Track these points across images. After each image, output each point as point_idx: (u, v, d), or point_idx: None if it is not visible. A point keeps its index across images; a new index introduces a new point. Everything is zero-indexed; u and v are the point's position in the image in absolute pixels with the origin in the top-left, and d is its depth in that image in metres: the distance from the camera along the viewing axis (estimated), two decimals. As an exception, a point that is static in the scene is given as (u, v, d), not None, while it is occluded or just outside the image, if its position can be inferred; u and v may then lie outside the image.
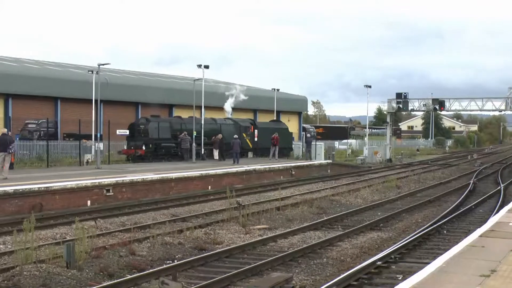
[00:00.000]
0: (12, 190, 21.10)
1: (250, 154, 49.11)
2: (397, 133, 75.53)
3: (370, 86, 61.42)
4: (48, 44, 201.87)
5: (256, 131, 50.12)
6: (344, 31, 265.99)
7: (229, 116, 53.07)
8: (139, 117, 51.21)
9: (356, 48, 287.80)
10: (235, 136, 42.51)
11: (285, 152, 51.76)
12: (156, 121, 43.06)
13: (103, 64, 36.51)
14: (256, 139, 49.86)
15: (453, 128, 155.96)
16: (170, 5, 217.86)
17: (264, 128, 50.83)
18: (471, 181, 34.47)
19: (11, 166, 30.77)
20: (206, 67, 44.29)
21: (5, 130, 26.54)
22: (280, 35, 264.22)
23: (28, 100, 49.43)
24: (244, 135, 48.42)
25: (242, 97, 55.47)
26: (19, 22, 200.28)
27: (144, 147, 40.84)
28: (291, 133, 55.24)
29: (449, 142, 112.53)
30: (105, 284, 11.86)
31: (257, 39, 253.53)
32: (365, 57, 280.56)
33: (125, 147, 42.19)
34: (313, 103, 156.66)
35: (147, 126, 41.90)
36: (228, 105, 54.91)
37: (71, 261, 13.17)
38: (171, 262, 14.44)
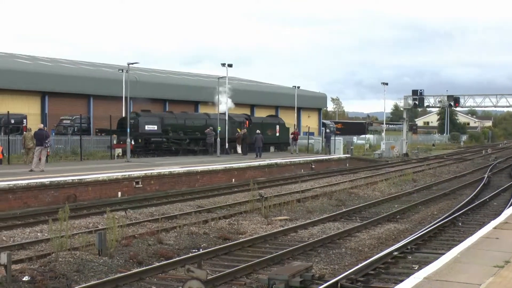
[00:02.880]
0: (48, 182, 21.30)
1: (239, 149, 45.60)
2: (413, 128, 74.81)
3: (387, 84, 61.03)
4: (81, 45, 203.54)
5: (250, 126, 47.56)
6: (359, 31, 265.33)
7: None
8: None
9: (371, 47, 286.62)
10: (258, 131, 42.43)
11: (282, 147, 50.14)
12: (146, 115, 40.99)
13: (132, 63, 36.64)
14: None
15: (468, 124, 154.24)
16: (193, 8, 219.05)
17: (259, 124, 48.57)
18: (486, 175, 34.09)
19: (47, 159, 31.11)
20: (230, 65, 44.29)
21: (42, 125, 26.80)
22: (298, 36, 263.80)
23: (63, 98, 49.88)
24: (239, 130, 45.77)
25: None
26: (53, 24, 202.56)
27: (133, 142, 37.67)
28: (288, 128, 52.58)
29: (464, 137, 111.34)
30: (134, 271, 11.92)
31: (276, 39, 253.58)
32: (379, 56, 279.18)
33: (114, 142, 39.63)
34: (332, 100, 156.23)
35: (137, 120, 39.75)
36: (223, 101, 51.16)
37: (102, 248, 13.26)
38: (196, 250, 14.47)
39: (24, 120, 42.87)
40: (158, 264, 12.63)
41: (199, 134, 43.55)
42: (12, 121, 42.54)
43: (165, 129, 41.31)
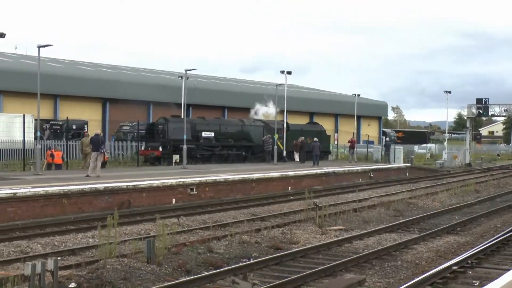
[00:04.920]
0: (103, 188, 21.38)
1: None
2: (477, 138, 72.60)
3: (450, 92, 59.55)
4: (142, 54, 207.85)
5: (288, 133, 44.51)
6: (420, 40, 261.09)
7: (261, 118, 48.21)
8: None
9: (432, 56, 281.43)
10: (316, 139, 41.83)
11: (322, 155, 44.86)
12: (175, 121, 38.96)
13: (189, 70, 36.71)
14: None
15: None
16: (255, 16, 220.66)
17: (298, 131, 45.70)
18: (553, 187, 32.59)
19: (104, 165, 31.45)
20: (289, 73, 44.04)
21: (98, 131, 27.11)
22: (358, 44, 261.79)
23: (124, 104, 50.62)
24: (276, 137, 43.07)
25: (271, 106, 48.79)
26: (115, 33, 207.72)
27: (160, 148, 37.15)
28: (329, 136, 50.30)
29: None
30: (181, 280, 11.64)
31: (338, 47, 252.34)
32: (441, 65, 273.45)
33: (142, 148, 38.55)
34: (393, 108, 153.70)
35: (165, 126, 38.25)
36: (260, 107, 50.01)
37: (151, 256, 13.06)
38: (247, 260, 14.10)
39: (85, 126, 43.66)
40: (206, 273, 12.31)
41: (232, 141, 42.00)
42: (74, 127, 43.43)
43: (196, 135, 39.50)
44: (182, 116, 38.90)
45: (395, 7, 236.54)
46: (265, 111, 49.36)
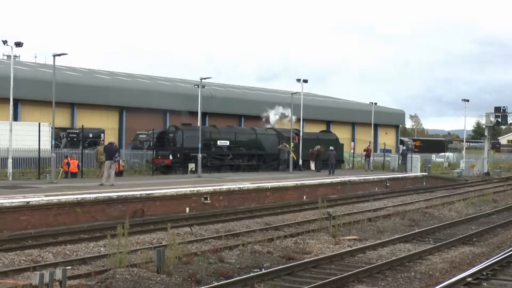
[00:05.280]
0: (116, 196, 21.34)
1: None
2: (496, 146, 71.86)
3: (467, 100, 58.98)
4: (160, 61, 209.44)
5: (299, 141, 44.27)
6: (437, 47, 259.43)
7: (273, 126, 47.67)
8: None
9: (450, 63, 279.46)
10: (331, 148, 41.61)
11: (336, 165, 42.14)
12: (186, 129, 38.49)
13: (205, 78, 36.67)
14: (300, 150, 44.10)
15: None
16: (270, 23, 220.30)
17: (310, 139, 45.21)
18: None
19: (120, 173, 31.58)
20: (305, 81, 43.98)
21: (112, 139, 27.12)
22: (376, 52, 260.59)
23: (140, 113, 50.73)
24: (287, 146, 42.45)
25: (286, 112, 47.93)
26: (134, 40, 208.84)
27: (171, 157, 36.50)
28: (342, 144, 49.65)
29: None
30: (190, 290, 11.53)
31: (353, 55, 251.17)
32: (459, 72, 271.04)
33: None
34: (411, 117, 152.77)
35: (176, 134, 37.71)
36: (272, 116, 48.69)
37: (161, 266, 12.96)
38: (258, 270, 13.95)
39: (102, 134, 43.82)
40: (216, 283, 12.18)
41: (244, 149, 41.36)
42: (90, 135, 43.61)
43: (207, 144, 38.73)
44: (198, 125, 38.87)
45: (413, 15, 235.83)
46: (277, 118, 48.57)
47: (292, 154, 41.82)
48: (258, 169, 41.50)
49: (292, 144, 41.67)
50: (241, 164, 40.94)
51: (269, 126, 47.65)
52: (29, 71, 50.41)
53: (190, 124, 41.24)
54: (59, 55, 27.20)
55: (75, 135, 43.15)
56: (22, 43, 29.56)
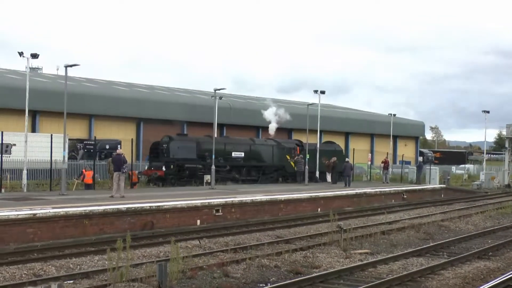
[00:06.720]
0: (125, 208, 21.02)
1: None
2: (517, 158, 70.62)
3: (488, 112, 58.11)
4: (178, 76, 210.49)
5: (301, 153, 42.49)
6: (458, 58, 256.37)
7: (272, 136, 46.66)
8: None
9: (470, 75, 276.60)
10: (347, 159, 41.06)
11: (342, 178, 39.97)
12: (180, 139, 37.46)
13: (219, 89, 36.33)
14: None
15: None
16: (289, 37, 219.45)
17: (314, 150, 43.15)
18: None
19: (135, 184, 31.46)
20: (322, 92, 43.66)
21: (120, 151, 26.79)
22: (397, 63, 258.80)
23: (158, 124, 50.58)
24: (288, 157, 41.85)
25: (284, 116, 47.85)
26: (154, 53, 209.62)
27: (164, 168, 35.39)
28: (345, 156, 47.38)
29: None
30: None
31: (373, 66, 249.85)
32: (481, 84, 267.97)
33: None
34: (431, 128, 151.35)
35: (169, 145, 36.38)
36: (272, 126, 47.94)
37: (163, 280, 12.59)
38: (264, 285, 13.54)
39: (119, 146, 43.66)
40: (217, 299, 11.80)
41: (242, 161, 39.88)
42: (107, 147, 43.49)
43: (202, 155, 37.41)
44: (214, 136, 38.49)
45: (434, 25, 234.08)
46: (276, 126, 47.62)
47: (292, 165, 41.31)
48: (258, 182, 39.84)
49: (308, 156, 41.13)
50: (235, 177, 39.12)
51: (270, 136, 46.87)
52: (49, 82, 50.54)
53: (186, 134, 40.24)
54: (71, 66, 27.12)
55: (92, 147, 43.07)
56: (38, 55, 29.55)
